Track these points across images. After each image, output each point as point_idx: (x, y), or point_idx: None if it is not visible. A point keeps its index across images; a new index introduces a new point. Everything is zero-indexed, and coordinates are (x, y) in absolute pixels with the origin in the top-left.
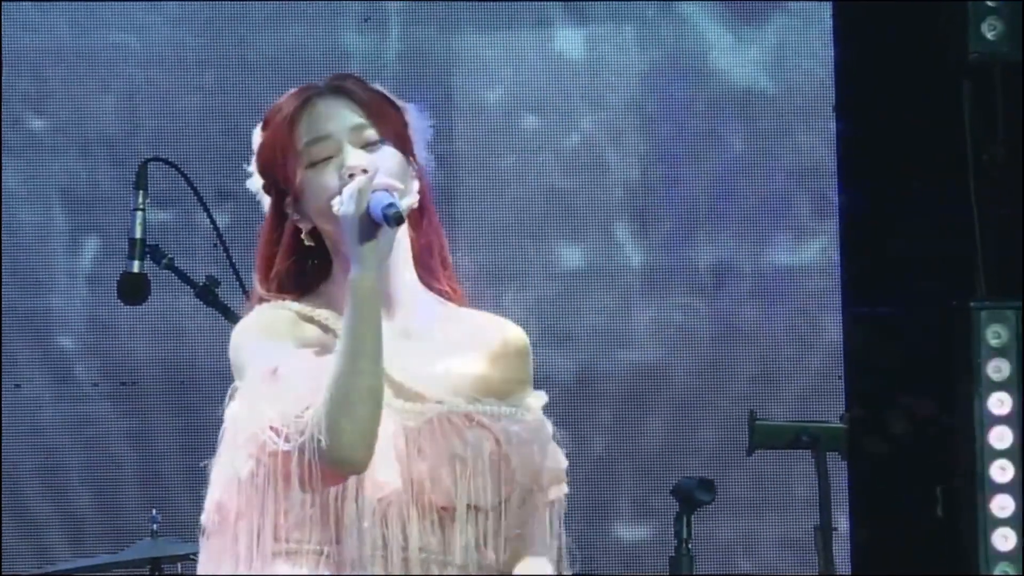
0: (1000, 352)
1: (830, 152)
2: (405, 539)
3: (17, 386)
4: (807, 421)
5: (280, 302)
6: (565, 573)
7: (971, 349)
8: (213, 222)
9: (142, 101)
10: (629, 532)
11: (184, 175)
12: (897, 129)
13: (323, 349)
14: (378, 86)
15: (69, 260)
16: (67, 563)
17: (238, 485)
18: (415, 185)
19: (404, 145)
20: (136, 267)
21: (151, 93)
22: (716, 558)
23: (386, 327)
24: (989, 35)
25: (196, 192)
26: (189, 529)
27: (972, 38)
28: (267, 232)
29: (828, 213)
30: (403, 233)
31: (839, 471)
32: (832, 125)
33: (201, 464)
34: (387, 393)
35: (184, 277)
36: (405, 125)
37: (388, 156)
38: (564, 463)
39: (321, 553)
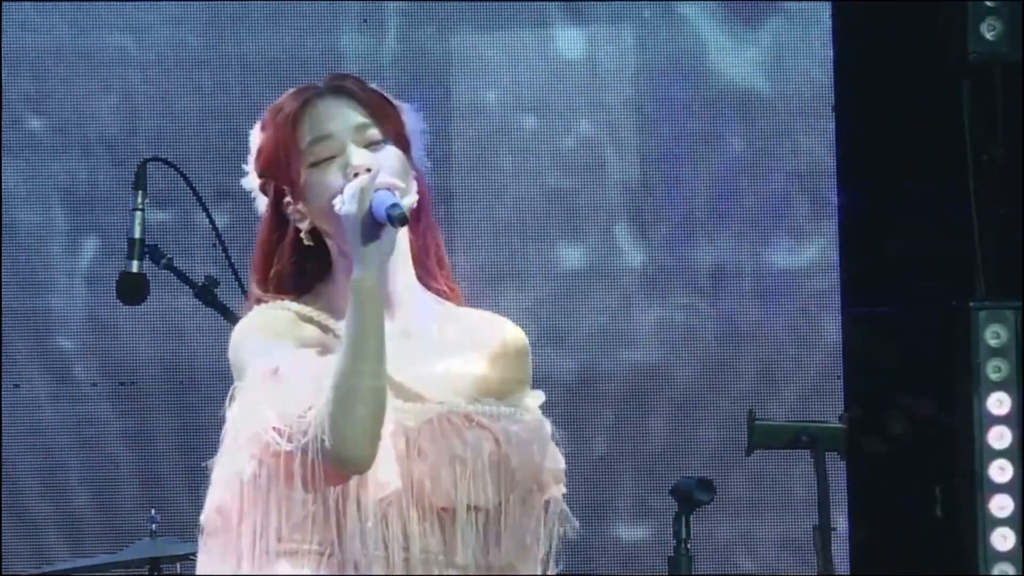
0: (999, 352)
1: (829, 153)
2: (406, 539)
3: (16, 386)
4: (806, 421)
5: (279, 302)
6: (550, 572)
7: (970, 349)
8: (212, 222)
9: (141, 101)
10: (628, 532)
11: (183, 175)
12: (896, 129)
13: (323, 349)
14: (375, 86)
15: (68, 260)
16: (66, 563)
17: (240, 485)
18: (414, 185)
19: (404, 144)
20: (135, 267)
21: (151, 93)
22: (715, 558)
23: (386, 327)
24: (989, 35)
25: (195, 192)
26: (188, 529)
27: (972, 38)
28: (266, 232)
29: (827, 214)
30: (402, 233)
31: (838, 471)
32: (831, 126)
33: (201, 464)
34: (387, 393)
35: (183, 277)
36: (404, 125)
37: (391, 155)
38: (563, 463)
39: (322, 553)
